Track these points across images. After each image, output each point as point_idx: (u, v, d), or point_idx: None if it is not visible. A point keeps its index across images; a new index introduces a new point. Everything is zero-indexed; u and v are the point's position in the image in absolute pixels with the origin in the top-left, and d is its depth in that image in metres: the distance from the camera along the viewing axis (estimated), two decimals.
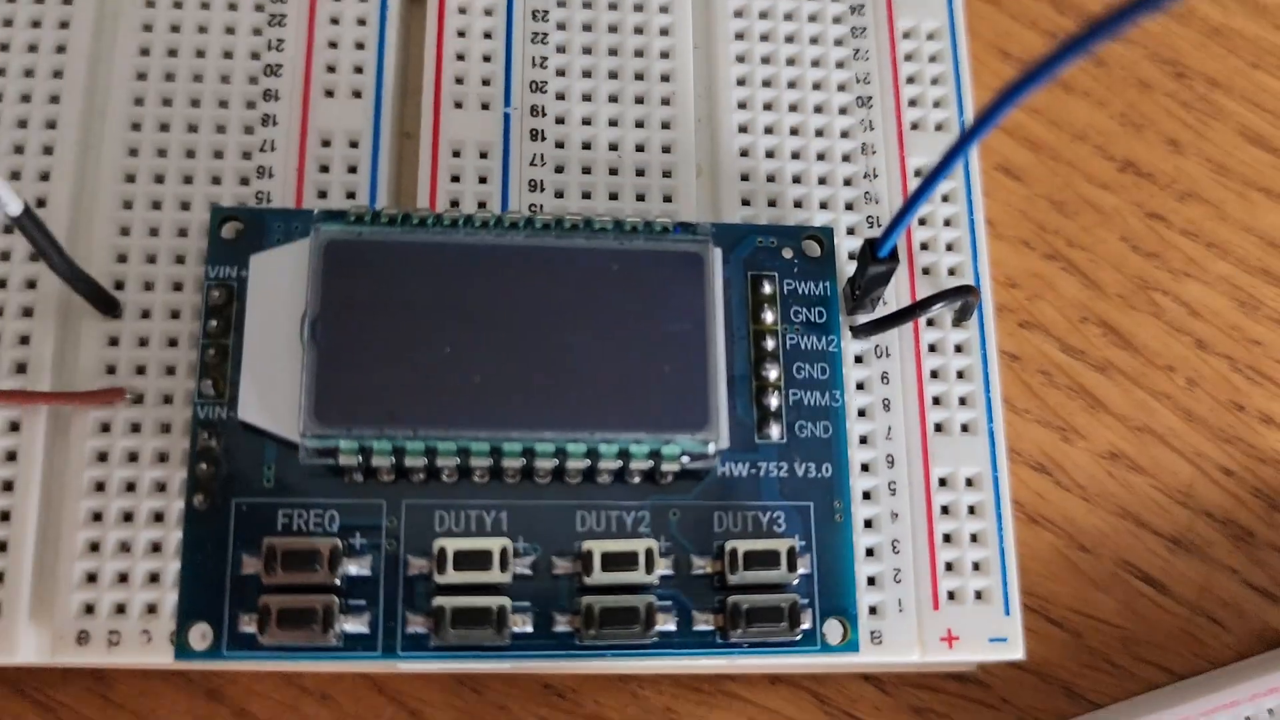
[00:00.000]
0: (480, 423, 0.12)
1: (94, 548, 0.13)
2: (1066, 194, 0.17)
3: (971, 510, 0.14)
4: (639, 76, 0.15)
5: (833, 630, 0.13)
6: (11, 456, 0.13)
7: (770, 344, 0.13)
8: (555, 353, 0.12)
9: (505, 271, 0.13)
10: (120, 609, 0.13)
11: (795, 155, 0.15)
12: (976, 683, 0.15)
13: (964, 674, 0.15)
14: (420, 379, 0.12)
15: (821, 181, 0.15)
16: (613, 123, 0.15)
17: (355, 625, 0.12)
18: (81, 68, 0.14)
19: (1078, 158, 0.17)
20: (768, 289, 0.13)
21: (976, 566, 0.14)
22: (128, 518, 0.13)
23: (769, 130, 0.15)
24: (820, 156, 0.15)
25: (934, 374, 0.14)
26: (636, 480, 0.13)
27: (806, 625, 0.12)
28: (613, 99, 0.15)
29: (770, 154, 0.15)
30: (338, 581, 0.12)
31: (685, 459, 0.12)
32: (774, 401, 0.13)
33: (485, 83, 0.15)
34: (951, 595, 0.14)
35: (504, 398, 0.12)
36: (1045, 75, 0.09)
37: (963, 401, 0.14)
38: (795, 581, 0.13)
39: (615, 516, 0.13)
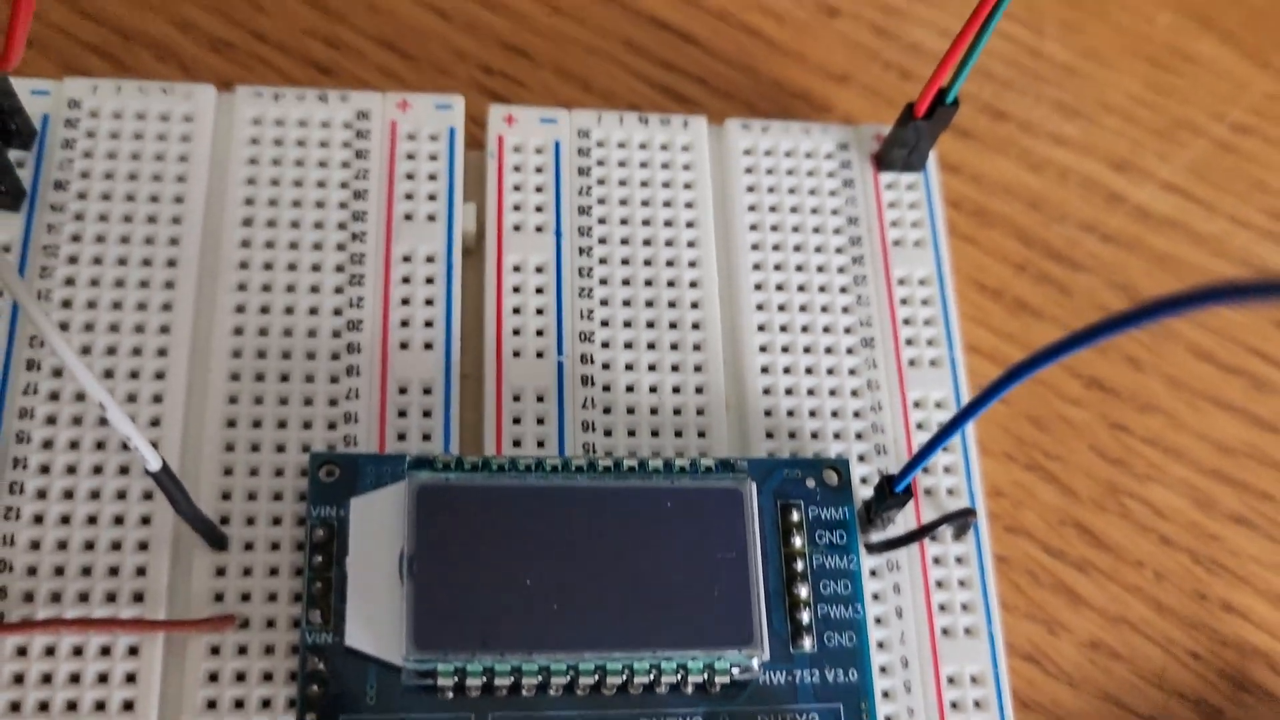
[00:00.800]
0: (558, 645, 0.14)
1: None
2: (1042, 410, 0.20)
3: (977, 704, 0.16)
4: (673, 325, 0.17)
5: None
6: (131, 678, 0.15)
7: (799, 565, 0.15)
8: (620, 581, 0.14)
9: (574, 510, 0.15)
10: None
11: (810, 392, 0.17)
12: None
13: None
14: (505, 608, 0.14)
15: (834, 415, 0.17)
16: (651, 367, 0.17)
17: None
18: (186, 325, 0.16)
19: (1050, 378, 0.20)
20: (795, 516, 0.16)
21: None
22: None
23: (787, 370, 0.17)
24: (832, 392, 0.17)
25: (939, 584, 0.16)
26: (690, 690, 0.15)
27: None
28: (651, 346, 0.17)
29: (789, 391, 0.17)
30: None
31: (734, 670, 0.14)
32: (805, 617, 0.15)
33: (539, 333, 0.17)
34: None
35: (577, 622, 0.14)
36: (1044, 364, 0.11)
37: (964, 607, 0.16)
38: None
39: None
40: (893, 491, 0.15)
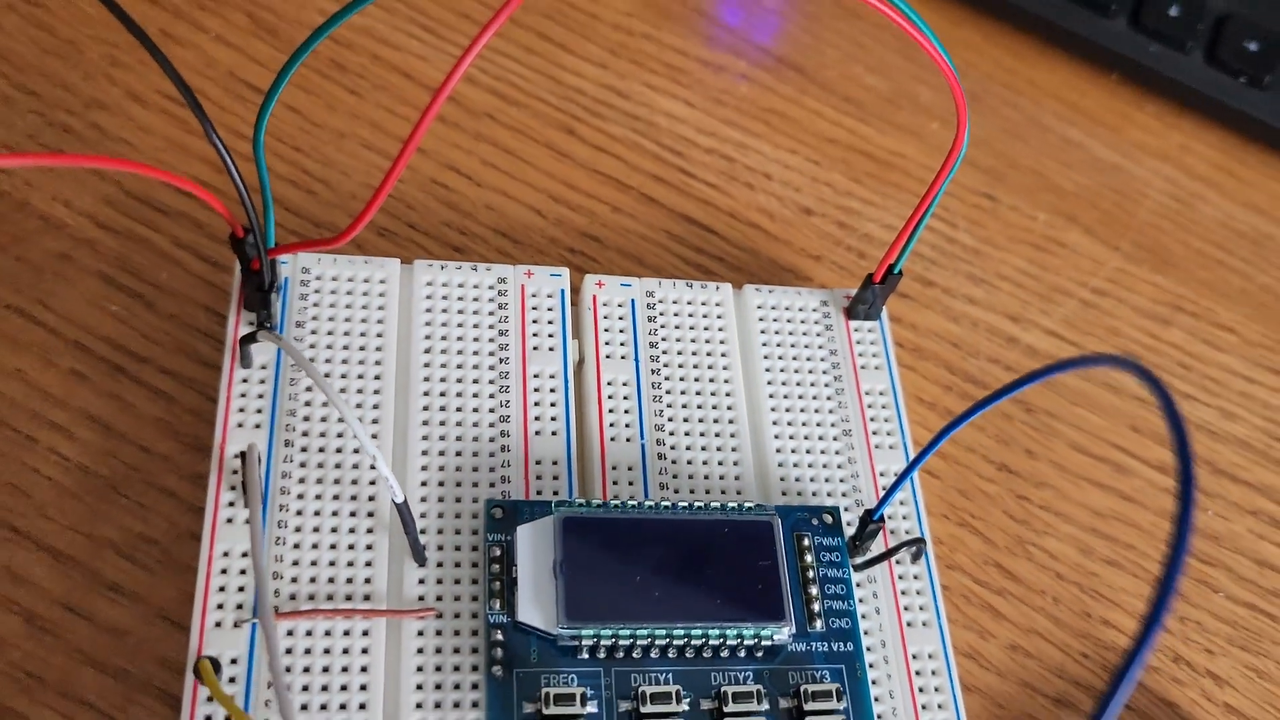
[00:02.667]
0: (657, 619, 0.21)
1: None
2: (966, 485, 0.28)
3: (934, 673, 0.23)
4: (715, 421, 0.25)
5: None
6: (365, 651, 0.21)
7: (810, 573, 0.23)
8: (695, 577, 0.22)
9: (662, 532, 0.22)
10: None
11: (809, 464, 0.25)
12: None
13: None
14: (623, 594, 0.21)
15: (826, 480, 0.25)
16: (703, 448, 0.25)
17: None
18: (390, 418, 0.24)
19: (971, 462, 0.28)
20: (806, 542, 0.23)
21: (940, 706, 0.23)
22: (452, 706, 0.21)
23: (793, 450, 0.25)
24: (824, 465, 0.25)
25: (903, 592, 0.24)
26: (743, 654, 0.22)
27: None
28: (702, 434, 0.25)
29: (795, 464, 0.25)
30: (585, 713, 0.21)
31: (773, 638, 0.22)
32: (816, 606, 0.23)
33: (627, 425, 0.25)
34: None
35: (669, 604, 0.21)
36: (961, 423, 0.19)
37: (921, 608, 0.24)
38: (841, 707, 0.22)
39: (733, 674, 0.22)
40: (871, 520, 0.23)
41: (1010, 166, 0.33)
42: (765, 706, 0.21)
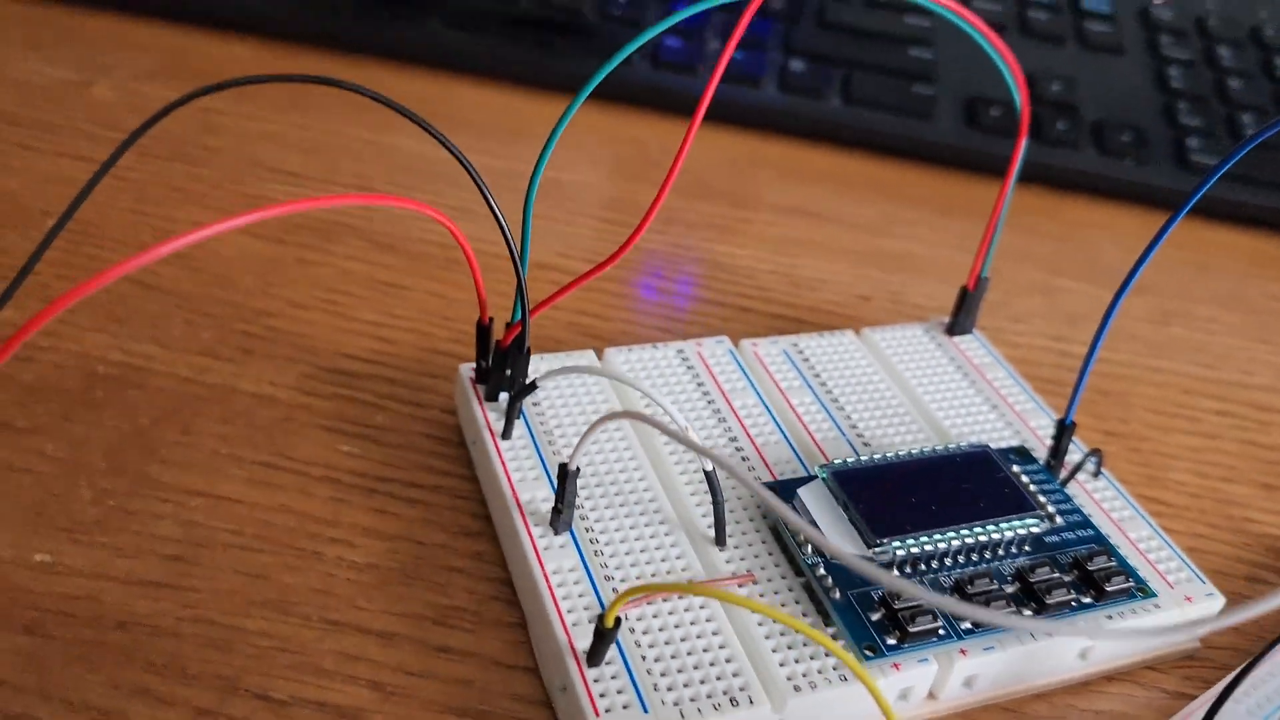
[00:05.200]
0: (943, 525, 0.25)
1: None
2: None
3: (1159, 548, 0.27)
4: (891, 415, 0.29)
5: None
6: (704, 608, 0.23)
7: (1031, 487, 0.27)
8: (952, 494, 0.25)
9: (909, 469, 0.26)
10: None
11: (979, 435, 0.29)
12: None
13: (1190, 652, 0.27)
14: (907, 513, 0.25)
15: (998, 441, 0.29)
16: (895, 436, 0.29)
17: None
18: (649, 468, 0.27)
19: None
20: (1015, 469, 0.27)
21: (1177, 569, 0.26)
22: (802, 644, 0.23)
23: (965, 430, 0.29)
24: (990, 432, 0.29)
25: (1100, 500, 0.28)
26: (1013, 548, 0.25)
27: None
28: (884, 419, 0.29)
29: (970, 436, 0.29)
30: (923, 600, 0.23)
31: (1032, 529, 0.25)
32: (1050, 508, 0.26)
33: (830, 429, 0.29)
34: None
35: (945, 514, 0.25)
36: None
37: (1121, 506, 0.28)
38: (1113, 564, 0.25)
39: (1013, 563, 0.25)
40: (1065, 425, 0.27)
41: None
42: (1058, 575, 0.25)
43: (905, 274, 0.38)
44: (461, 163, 0.24)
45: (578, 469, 0.24)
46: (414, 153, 0.40)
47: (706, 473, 0.24)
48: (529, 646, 0.24)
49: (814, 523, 0.25)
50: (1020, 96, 0.28)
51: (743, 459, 0.27)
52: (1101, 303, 0.26)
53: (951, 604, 0.17)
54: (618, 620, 0.21)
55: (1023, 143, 0.29)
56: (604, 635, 0.22)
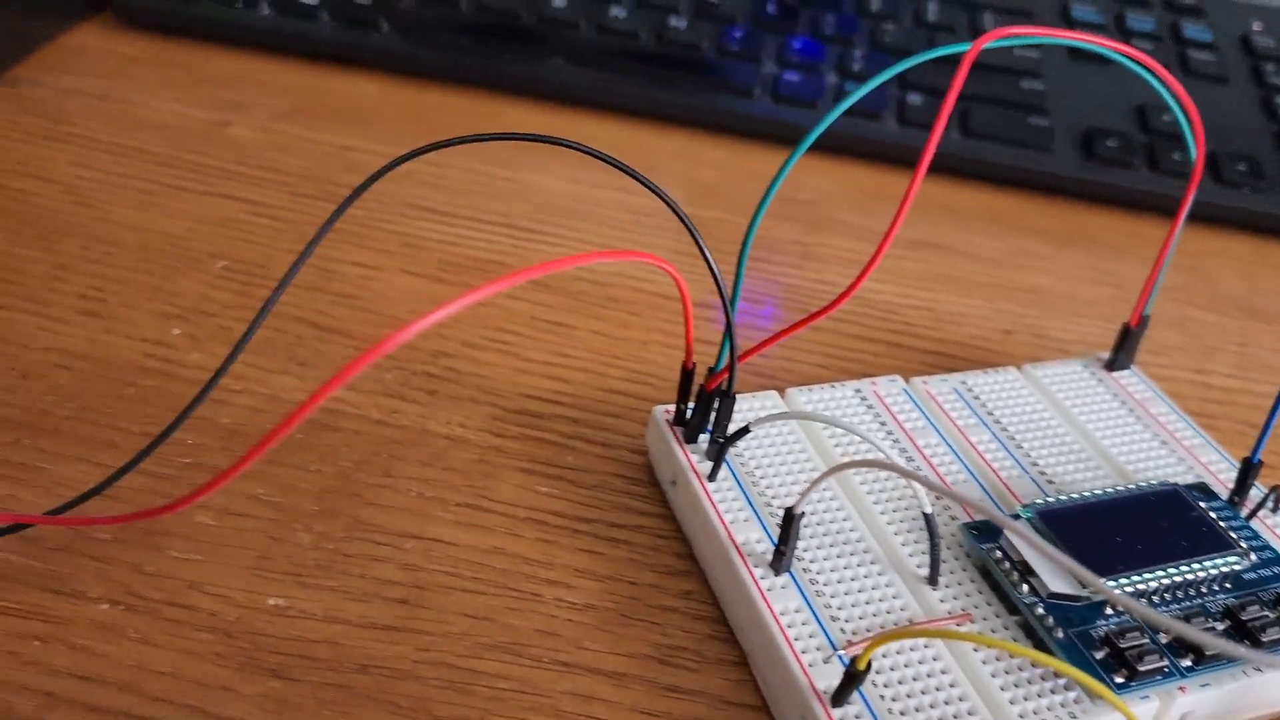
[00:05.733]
0: (1151, 564, 0.25)
1: None
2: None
3: None
4: (1064, 449, 0.30)
5: None
6: (931, 646, 0.24)
7: (1222, 523, 0.27)
8: (1153, 532, 0.26)
9: (1106, 508, 0.27)
10: None
11: (1157, 472, 0.30)
12: None
13: None
14: (1115, 552, 0.25)
15: (1177, 478, 0.30)
16: (1078, 476, 0.30)
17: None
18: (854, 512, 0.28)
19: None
20: (1203, 504, 0.28)
21: None
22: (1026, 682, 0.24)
23: (1141, 465, 0.30)
24: (1166, 469, 0.30)
25: None
26: (1215, 586, 0.26)
27: None
28: (1061, 455, 0.30)
29: (1148, 473, 0.30)
30: (1145, 643, 0.24)
31: (1234, 566, 0.26)
32: (1244, 544, 0.27)
33: (1009, 465, 0.29)
34: None
35: (1151, 553, 0.26)
36: None
37: None
38: None
39: (1219, 600, 0.26)
40: (1251, 463, 0.28)
41: None
42: (1266, 612, 0.25)
43: (1040, 308, 0.39)
44: (680, 217, 0.24)
45: (802, 513, 0.25)
46: (553, 191, 0.40)
47: (926, 515, 0.25)
48: (753, 685, 0.25)
49: (1021, 570, 0.25)
50: (1196, 140, 0.29)
51: (934, 498, 0.28)
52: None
53: (1225, 645, 0.18)
54: (869, 663, 0.22)
55: (1196, 183, 0.30)
56: (855, 678, 0.22)
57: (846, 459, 0.28)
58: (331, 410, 0.30)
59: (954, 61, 0.24)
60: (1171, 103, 0.28)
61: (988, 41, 0.25)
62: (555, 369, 0.33)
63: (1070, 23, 0.50)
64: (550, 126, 0.44)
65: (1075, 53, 0.48)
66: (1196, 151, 0.29)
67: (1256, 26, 0.50)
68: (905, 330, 0.37)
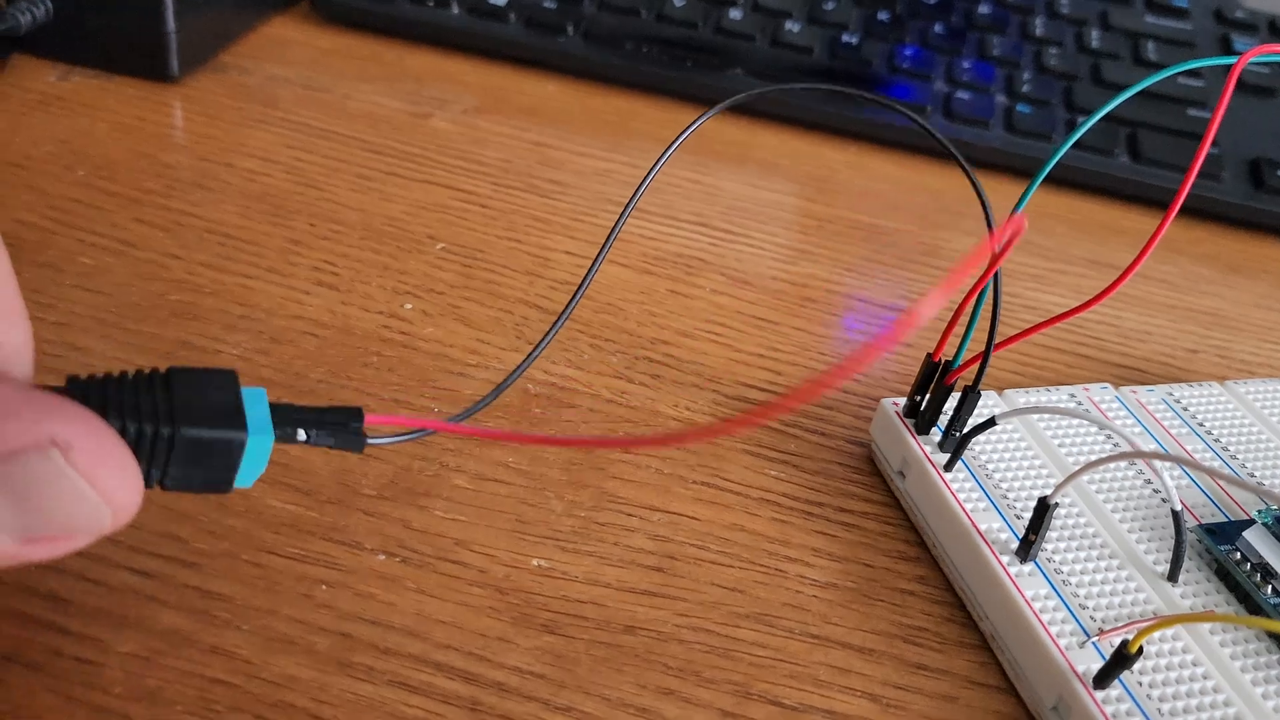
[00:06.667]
0: None
1: None
2: None
3: None
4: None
5: None
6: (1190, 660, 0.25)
7: None
8: None
9: None
10: None
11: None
12: None
13: None
14: None
15: None
16: None
17: None
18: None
19: None
20: None
21: None
22: None
23: None
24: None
25: None
26: None
27: None
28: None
29: None
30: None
31: None
32: None
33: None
34: None
35: None
36: None
37: None
38: None
39: None
40: None
41: None
42: None
43: (1222, 330, 0.39)
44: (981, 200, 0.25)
45: (1056, 503, 0.26)
46: (738, 194, 0.42)
47: (1174, 512, 0.26)
48: (996, 667, 0.26)
49: (1263, 572, 0.26)
50: None
51: (1157, 505, 0.29)
52: None
53: None
54: (1140, 648, 0.23)
55: None
56: (1125, 660, 0.23)
57: (1090, 457, 0.29)
58: (566, 389, 0.31)
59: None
60: None
61: (1254, 56, 0.26)
62: (766, 360, 0.34)
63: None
64: (731, 136, 0.45)
65: (1240, 84, 0.48)
66: None
67: None
68: (1092, 343, 0.38)
